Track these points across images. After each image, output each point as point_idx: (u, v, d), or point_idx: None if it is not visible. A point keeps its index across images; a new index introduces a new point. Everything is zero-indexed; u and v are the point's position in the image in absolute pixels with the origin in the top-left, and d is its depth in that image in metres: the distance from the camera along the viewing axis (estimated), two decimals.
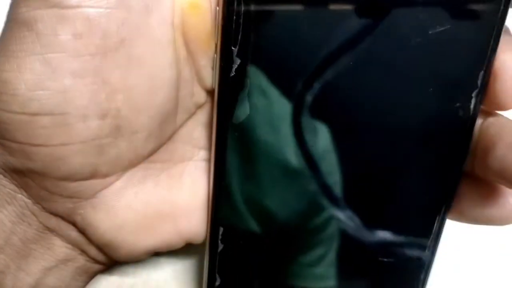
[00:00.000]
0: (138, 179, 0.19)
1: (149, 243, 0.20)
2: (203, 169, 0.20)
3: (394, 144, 0.19)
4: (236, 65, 0.17)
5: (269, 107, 0.18)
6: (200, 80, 0.19)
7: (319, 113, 0.18)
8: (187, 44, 0.18)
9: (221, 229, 0.20)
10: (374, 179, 0.19)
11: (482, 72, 0.17)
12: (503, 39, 0.17)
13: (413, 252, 0.20)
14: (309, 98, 0.18)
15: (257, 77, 0.17)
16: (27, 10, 0.16)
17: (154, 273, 0.25)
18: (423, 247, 0.20)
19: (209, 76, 0.18)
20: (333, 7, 0.17)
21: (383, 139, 0.18)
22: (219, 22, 0.17)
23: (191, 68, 0.18)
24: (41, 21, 0.15)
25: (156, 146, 0.19)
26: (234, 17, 0.17)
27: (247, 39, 0.17)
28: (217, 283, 0.21)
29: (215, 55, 0.18)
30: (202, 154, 0.20)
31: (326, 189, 0.19)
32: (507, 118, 0.18)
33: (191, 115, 0.19)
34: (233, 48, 0.17)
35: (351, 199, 0.19)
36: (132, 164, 0.19)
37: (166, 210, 0.20)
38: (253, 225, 0.20)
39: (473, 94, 0.17)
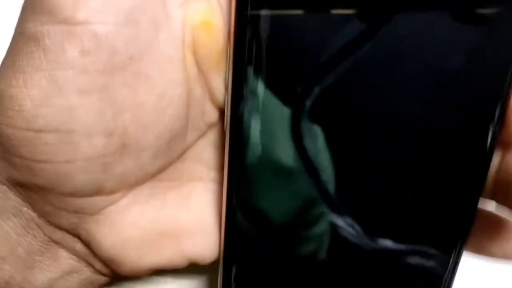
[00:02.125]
0: (144, 197, 0.19)
1: (152, 261, 0.19)
2: (212, 191, 0.20)
3: (399, 167, 0.18)
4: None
5: (275, 116, 0.17)
6: (212, 99, 0.18)
7: (320, 119, 0.17)
8: (198, 63, 0.17)
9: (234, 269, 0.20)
10: (379, 195, 0.19)
11: (499, 104, 0.16)
12: None
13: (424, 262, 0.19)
14: (310, 103, 0.17)
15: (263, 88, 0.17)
16: (34, 25, 0.15)
17: (164, 286, 0.25)
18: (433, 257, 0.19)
19: (221, 95, 0.18)
20: (337, 11, 0.16)
21: (393, 152, 0.18)
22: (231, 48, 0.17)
23: (202, 87, 0.18)
24: (48, 36, 0.15)
25: (164, 165, 0.18)
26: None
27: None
28: None
29: (227, 76, 0.17)
30: (212, 174, 0.20)
31: (325, 195, 0.19)
32: None
33: (202, 135, 0.19)
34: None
35: (353, 209, 0.19)
36: (138, 181, 0.18)
37: (172, 229, 0.19)
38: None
39: (490, 126, 0.17)
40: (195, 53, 0.17)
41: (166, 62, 0.16)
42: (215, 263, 0.20)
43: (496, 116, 0.17)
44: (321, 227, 0.19)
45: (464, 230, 0.18)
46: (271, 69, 0.17)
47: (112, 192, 0.18)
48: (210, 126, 0.19)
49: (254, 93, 0.17)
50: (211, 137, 0.19)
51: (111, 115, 0.16)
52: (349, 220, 0.19)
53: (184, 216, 0.19)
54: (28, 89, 0.15)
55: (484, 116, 0.17)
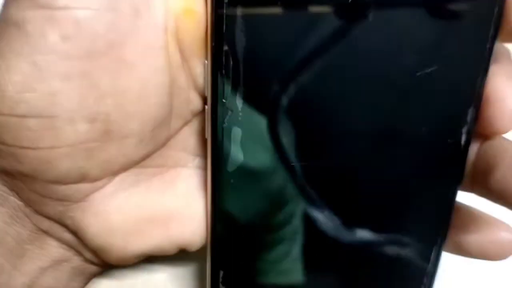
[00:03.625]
0: (129, 184, 0.19)
1: (140, 247, 0.19)
2: (197, 176, 0.20)
3: (382, 157, 0.18)
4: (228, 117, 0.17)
5: (253, 115, 0.18)
6: (197, 87, 0.18)
7: (295, 115, 0.17)
8: (181, 50, 0.17)
9: (222, 273, 0.20)
10: (358, 190, 0.19)
11: (471, 108, 0.17)
12: (497, 62, 0.16)
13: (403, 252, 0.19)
14: (285, 100, 0.17)
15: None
16: (16, 11, 0.15)
17: (154, 274, 0.25)
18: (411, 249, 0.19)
19: (204, 85, 0.18)
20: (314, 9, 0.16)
21: (370, 151, 0.18)
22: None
23: (187, 75, 0.18)
24: (29, 22, 0.15)
25: (148, 152, 0.18)
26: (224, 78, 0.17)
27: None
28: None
29: (206, 107, 0.17)
30: (197, 161, 0.20)
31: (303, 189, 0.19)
32: (507, 139, 0.17)
33: (187, 122, 0.19)
34: (224, 100, 0.17)
35: (331, 201, 0.19)
36: (123, 168, 0.18)
37: (158, 215, 0.19)
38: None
39: (463, 131, 0.17)
40: (178, 41, 0.17)
41: (148, 49, 0.16)
42: (204, 251, 0.20)
43: (471, 109, 0.17)
44: (299, 221, 0.19)
45: (444, 220, 0.18)
46: (248, 69, 0.17)
47: (96, 179, 0.18)
48: (195, 114, 0.19)
49: (231, 90, 0.17)
50: (196, 125, 0.19)
51: (93, 101, 0.16)
52: (327, 213, 0.19)
53: (170, 202, 0.19)
54: (10, 75, 0.15)
55: (459, 109, 0.17)
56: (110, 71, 0.16)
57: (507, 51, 0.17)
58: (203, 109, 0.18)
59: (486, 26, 0.16)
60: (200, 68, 0.17)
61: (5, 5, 0.16)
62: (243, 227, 0.19)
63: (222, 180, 0.18)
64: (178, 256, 0.23)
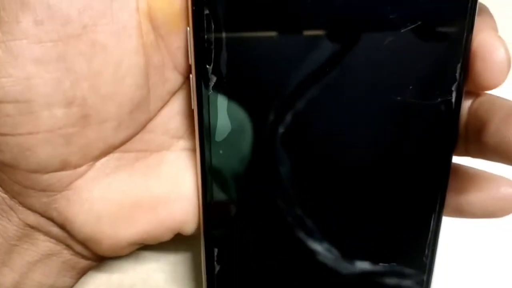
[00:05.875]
0: (111, 169, 0.19)
1: (130, 234, 0.19)
2: (184, 159, 0.20)
3: (376, 172, 0.18)
4: (213, 83, 0.17)
5: (244, 132, 0.18)
6: (175, 65, 0.18)
7: (290, 144, 0.18)
8: (156, 29, 0.17)
9: (216, 250, 0.20)
10: (357, 208, 0.19)
11: (459, 65, 0.17)
12: (480, 19, 0.16)
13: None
14: (280, 128, 0.18)
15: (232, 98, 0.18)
16: None
17: (154, 273, 0.25)
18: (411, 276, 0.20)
19: (183, 58, 0.18)
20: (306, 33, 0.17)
21: (363, 166, 0.18)
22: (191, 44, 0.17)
23: (163, 54, 0.18)
24: (3, 8, 0.15)
25: (128, 135, 0.18)
26: (206, 43, 0.17)
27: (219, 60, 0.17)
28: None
29: (191, 76, 0.17)
30: (181, 143, 0.20)
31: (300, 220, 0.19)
32: (496, 96, 0.17)
33: (165, 103, 0.19)
34: (207, 66, 0.17)
35: (329, 230, 0.19)
36: (103, 153, 0.18)
37: (144, 199, 0.19)
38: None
39: (453, 88, 0.17)
40: (151, 19, 0.17)
41: (121, 30, 0.16)
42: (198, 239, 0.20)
43: (459, 66, 0.17)
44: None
45: (433, 244, 0.19)
46: (230, 32, 0.17)
47: (77, 165, 0.18)
48: (173, 94, 0.19)
49: (214, 54, 0.17)
50: (176, 106, 0.19)
51: (69, 85, 0.16)
52: (326, 245, 0.19)
53: (155, 185, 0.19)
54: None
55: (447, 67, 0.17)
56: (83, 54, 0.16)
57: (486, 6, 0.17)
58: (185, 81, 0.18)
59: None
60: (177, 43, 0.17)
61: None
62: (235, 201, 0.19)
63: (211, 151, 0.18)
64: (177, 255, 0.23)
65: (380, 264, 0.19)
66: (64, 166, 0.17)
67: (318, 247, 0.19)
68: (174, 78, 0.18)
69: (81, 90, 0.16)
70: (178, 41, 0.17)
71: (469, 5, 0.16)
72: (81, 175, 0.18)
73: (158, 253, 0.25)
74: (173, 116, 0.19)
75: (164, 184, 0.19)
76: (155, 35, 0.17)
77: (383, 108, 0.18)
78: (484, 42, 0.16)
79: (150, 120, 0.19)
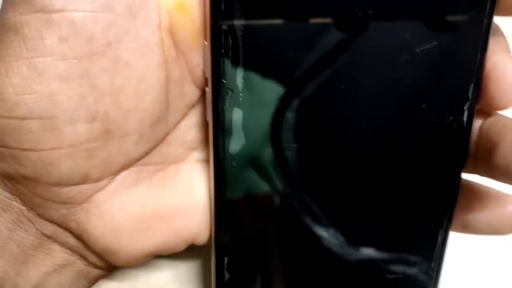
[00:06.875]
0: (130, 182, 0.19)
1: (147, 246, 0.20)
2: (198, 170, 0.20)
3: (385, 163, 0.19)
4: (228, 97, 0.18)
5: (256, 121, 0.18)
6: (193, 78, 0.18)
7: (300, 131, 0.18)
8: (176, 44, 0.18)
9: (226, 259, 0.20)
10: (365, 201, 0.19)
11: (472, 85, 0.17)
12: (493, 40, 0.17)
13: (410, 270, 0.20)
14: (290, 114, 0.18)
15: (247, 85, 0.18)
16: (13, 16, 0.16)
17: (155, 276, 0.25)
18: (420, 265, 0.20)
19: (202, 74, 0.18)
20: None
21: (372, 158, 0.18)
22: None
23: (183, 69, 0.18)
24: (27, 25, 0.15)
25: (148, 149, 0.19)
26: (223, 57, 0.17)
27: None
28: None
29: (207, 89, 0.18)
30: (195, 155, 0.20)
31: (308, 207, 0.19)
32: (508, 117, 0.18)
33: (183, 116, 0.19)
34: (224, 80, 0.17)
35: (337, 217, 0.19)
36: (123, 167, 0.18)
37: (161, 211, 0.19)
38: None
39: (465, 107, 0.17)
40: (173, 35, 0.17)
41: (144, 46, 0.17)
42: (205, 251, 0.20)
43: (472, 86, 0.17)
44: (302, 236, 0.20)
45: (451, 201, 0.19)
46: (247, 48, 0.17)
47: (98, 179, 0.18)
48: (191, 107, 0.19)
49: (231, 69, 0.17)
50: (193, 118, 0.19)
51: (92, 101, 0.16)
52: (332, 231, 0.19)
53: (171, 197, 0.20)
54: (10, 78, 0.16)
55: (460, 86, 0.17)
56: (107, 70, 0.16)
57: (499, 26, 0.18)
58: (202, 95, 0.19)
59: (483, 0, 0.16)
60: (196, 59, 0.18)
61: (2, 10, 0.16)
62: (247, 211, 0.19)
63: (224, 163, 0.18)
64: (178, 256, 0.23)
65: (387, 250, 0.19)
66: (85, 179, 0.18)
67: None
68: (192, 92, 0.19)
69: (104, 106, 0.17)
70: (197, 57, 0.18)
71: (484, 25, 0.17)
72: (101, 189, 0.18)
73: (160, 257, 0.26)
74: (190, 128, 0.20)
75: (180, 196, 0.20)
76: (175, 51, 0.18)
77: (397, 122, 0.18)
78: (498, 63, 0.17)
79: (168, 133, 0.19)
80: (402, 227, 0.19)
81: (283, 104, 0.18)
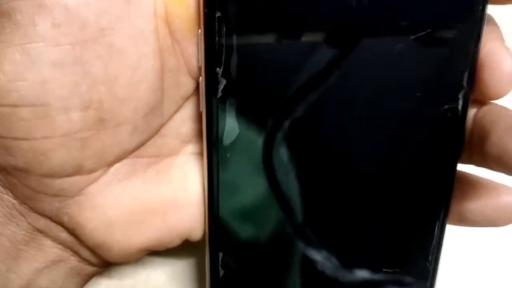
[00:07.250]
0: (124, 175, 0.19)
1: (140, 240, 0.19)
2: (192, 163, 0.20)
3: (377, 182, 0.19)
4: (222, 86, 0.17)
5: (248, 140, 0.18)
6: (188, 69, 0.18)
7: (290, 152, 0.18)
8: (172, 33, 0.17)
9: (221, 255, 0.20)
10: (358, 222, 0.19)
11: (466, 73, 0.17)
12: (487, 29, 0.17)
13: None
14: (280, 134, 0.18)
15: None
16: (6, 1, 0.15)
17: (154, 274, 0.25)
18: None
19: (197, 65, 0.18)
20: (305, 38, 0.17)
21: (364, 177, 0.18)
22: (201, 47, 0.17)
23: (178, 59, 0.18)
24: (19, 11, 0.15)
25: (142, 140, 0.18)
26: (216, 46, 0.17)
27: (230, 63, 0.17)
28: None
29: (201, 78, 0.18)
30: (190, 148, 0.20)
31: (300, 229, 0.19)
32: (501, 106, 0.17)
33: (178, 108, 0.19)
34: (217, 69, 0.17)
35: (328, 238, 0.19)
36: (117, 158, 0.18)
37: (155, 205, 0.19)
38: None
39: (460, 95, 0.17)
40: (168, 24, 0.17)
41: (138, 34, 0.16)
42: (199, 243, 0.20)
43: (466, 74, 0.17)
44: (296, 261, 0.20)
45: (437, 252, 0.19)
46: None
47: (91, 170, 0.18)
48: (186, 99, 0.19)
49: (224, 58, 0.17)
50: (188, 111, 0.19)
51: (86, 89, 0.16)
52: (325, 254, 0.19)
53: (165, 191, 0.19)
54: (1, 64, 0.15)
55: (455, 74, 0.17)
56: (101, 57, 0.16)
57: (492, 16, 0.18)
58: (197, 87, 0.18)
59: None
60: (192, 48, 0.18)
61: None
62: (242, 205, 0.19)
63: (218, 154, 0.18)
64: (178, 255, 0.23)
65: (382, 272, 0.19)
66: (78, 171, 0.17)
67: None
68: (187, 83, 0.18)
69: (98, 94, 0.16)
70: (192, 46, 0.18)
71: (478, 13, 0.16)
72: (94, 181, 0.18)
73: (159, 255, 0.25)
74: (185, 120, 0.19)
75: (174, 189, 0.19)
76: (171, 40, 0.17)
77: (390, 114, 0.18)
78: (492, 52, 0.17)
79: (163, 124, 0.19)
80: (396, 247, 0.19)
81: (282, 123, 0.18)
